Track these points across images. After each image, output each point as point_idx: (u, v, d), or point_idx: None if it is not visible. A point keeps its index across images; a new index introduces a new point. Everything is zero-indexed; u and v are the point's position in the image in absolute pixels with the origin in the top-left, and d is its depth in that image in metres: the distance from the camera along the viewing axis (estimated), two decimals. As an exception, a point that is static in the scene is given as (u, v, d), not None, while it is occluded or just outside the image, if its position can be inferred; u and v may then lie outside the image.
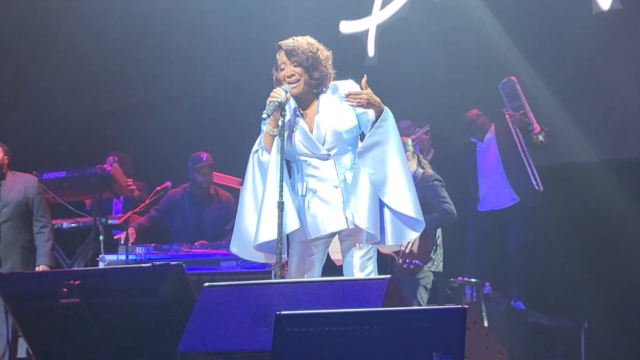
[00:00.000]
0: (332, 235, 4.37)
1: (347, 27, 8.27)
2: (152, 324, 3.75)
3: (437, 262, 6.33)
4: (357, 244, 4.30)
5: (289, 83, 4.31)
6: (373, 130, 4.23)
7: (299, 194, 4.36)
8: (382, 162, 4.22)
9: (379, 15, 8.23)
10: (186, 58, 8.68)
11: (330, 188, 4.30)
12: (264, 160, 4.32)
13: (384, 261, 6.46)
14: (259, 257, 4.34)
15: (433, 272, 6.31)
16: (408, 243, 6.19)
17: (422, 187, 6.23)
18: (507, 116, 7.33)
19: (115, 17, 8.61)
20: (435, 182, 6.38)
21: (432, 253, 6.28)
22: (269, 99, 4.26)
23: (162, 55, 8.71)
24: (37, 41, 8.58)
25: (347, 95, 4.21)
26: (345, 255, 4.36)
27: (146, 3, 8.58)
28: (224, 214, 7.19)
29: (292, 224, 4.22)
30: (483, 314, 6.37)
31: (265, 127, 4.34)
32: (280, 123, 4.24)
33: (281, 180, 4.16)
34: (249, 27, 8.43)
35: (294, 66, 4.32)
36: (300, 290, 3.55)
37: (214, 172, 7.29)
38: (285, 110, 4.27)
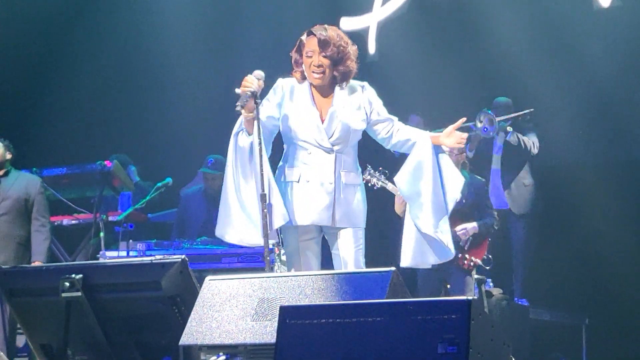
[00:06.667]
0: (318, 228, 4.35)
1: (348, 23, 8.24)
2: (155, 318, 3.73)
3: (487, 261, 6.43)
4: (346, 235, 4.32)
5: (314, 72, 4.27)
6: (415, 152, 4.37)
7: (288, 179, 4.31)
8: (415, 184, 4.35)
9: (379, 12, 8.22)
10: (186, 56, 8.66)
11: (324, 182, 4.27)
12: (242, 145, 4.28)
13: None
14: (241, 240, 4.39)
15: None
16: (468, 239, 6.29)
17: (475, 192, 6.27)
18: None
19: (119, 21, 8.61)
20: (486, 188, 6.53)
21: (487, 253, 6.38)
22: (241, 89, 4.19)
23: (163, 55, 8.68)
24: (40, 41, 8.57)
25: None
26: (332, 248, 4.38)
27: (149, 8, 8.59)
28: None
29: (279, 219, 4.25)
30: (485, 310, 6.36)
31: (243, 113, 4.24)
32: (255, 112, 4.17)
33: (261, 172, 4.15)
34: (247, 24, 8.41)
35: (323, 57, 4.27)
36: (304, 283, 3.53)
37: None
38: (258, 98, 4.20)
